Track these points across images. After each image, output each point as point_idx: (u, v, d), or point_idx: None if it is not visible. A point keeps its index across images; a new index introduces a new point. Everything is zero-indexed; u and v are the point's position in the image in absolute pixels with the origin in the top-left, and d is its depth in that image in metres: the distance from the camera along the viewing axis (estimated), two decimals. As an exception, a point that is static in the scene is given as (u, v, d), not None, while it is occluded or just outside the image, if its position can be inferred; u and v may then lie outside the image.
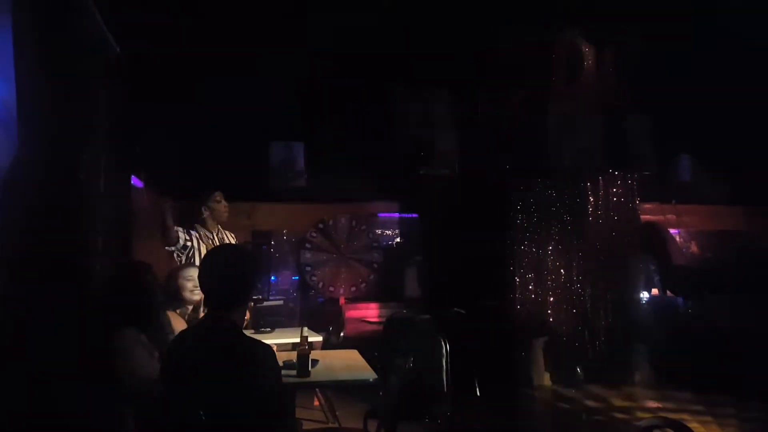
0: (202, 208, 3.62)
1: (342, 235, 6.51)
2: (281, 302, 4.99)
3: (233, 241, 3.80)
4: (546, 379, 5.20)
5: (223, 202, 3.67)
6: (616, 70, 5.66)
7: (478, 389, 4.74)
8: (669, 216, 7.37)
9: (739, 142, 6.55)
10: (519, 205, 5.59)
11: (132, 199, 4.22)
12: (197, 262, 3.44)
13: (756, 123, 6.26)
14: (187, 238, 3.56)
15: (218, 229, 3.69)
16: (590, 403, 4.57)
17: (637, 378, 5.19)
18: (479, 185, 6.22)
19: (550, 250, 5.50)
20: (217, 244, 3.62)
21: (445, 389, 3.31)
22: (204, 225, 3.63)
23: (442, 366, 3.36)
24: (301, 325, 3.32)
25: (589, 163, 5.57)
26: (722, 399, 4.39)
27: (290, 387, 2.72)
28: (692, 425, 3.91)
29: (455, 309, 4.91)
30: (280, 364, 2.78)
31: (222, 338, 1.73)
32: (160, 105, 4.77)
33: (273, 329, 4.00)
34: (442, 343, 3.42)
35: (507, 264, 5.58)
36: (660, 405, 4.58)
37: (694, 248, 8.06)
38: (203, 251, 3.50)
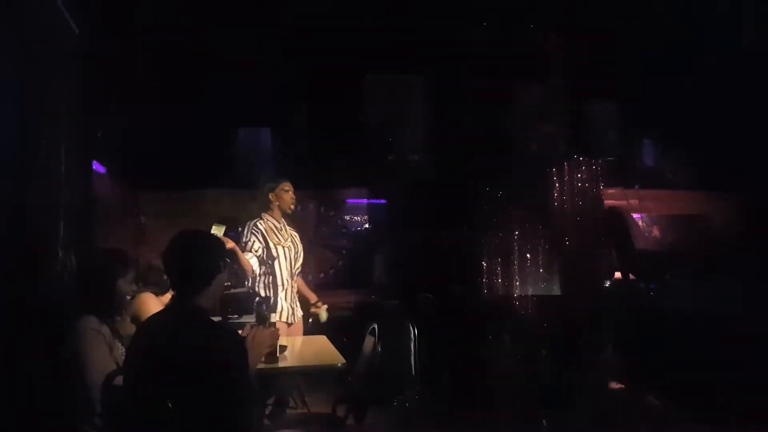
0: (270, 196, 3.54)
1: (310, 222, 6.48)
2: (249, 289, 4.96)
3: (297, 237, 3.69)
4: (511, 362, 5.30)
5: (291, 192, 3.59)
6: (582, 59, 5.74)
7: (446, 373, 4.82)
8: (632, 201, 7.56)
9: (701, 129, 6.74)
10: (487, 192, 5.65)
11: (94, 185, 4.13)
12: (274, 255, 3.46)
13: (719, 110, 6.45)
14: (258, 243, 3.45)
15: (284, 222, 3.61)
16: (557, 385, 4.67)
17: (601, 359, 5.34)
18: (448, 172, 6.28)
19: (517, 235, 5.59)
20: (284, 234, 3.57)
21: (414, 374, 3.35)
22: (271, 214, 3.55)
23: (411, 351, 3.40)
24: (268, 312, 3.31)
25: (555, 149, 5.67)
26: (684, 379, 4.55)
27: (256, 373, 2.71)
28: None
29: (424, 294, 4.97)
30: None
31: (186, 323, 1.71)
32: (122, 90, 4.65)
33: (240, 316, 3.98)
34: (411, 328, 3.46)
35: (475, 249, 5.65)
36: (623, 386, 4.72)
37: (656, 233, 8.30)
38: (270, 241, 3.47)
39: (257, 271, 3.46)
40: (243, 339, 1.83)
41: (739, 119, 6.37)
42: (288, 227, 3.64)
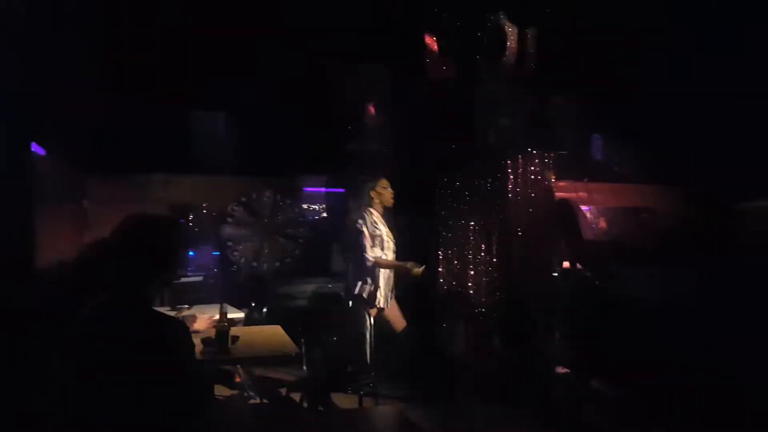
0: (371, 193, 4.01)
1: (266, 209, 6.35)
2: (200, 278, 4.84)
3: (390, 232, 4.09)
4: (467, 350, 5.39)
5: (389, 189, 4.07)
6: (537, 51, 5.82)
7: (402, 361, 4.86)
8: (581, 193, 7.78)
9: (648, 123, 6.98)
10: (444, 182, 5.69)
11: (34, 168, 3.90)
12: (384, 238, 3.94)
13: (667, 104, 6.69)
14: (378, 231, 3.94)
15: (383, 214, 4.08)
16: (508, 372, 4.78)
17: (550, 346, 5.50)
18: (407, 161, 6.27)
19: (472, 225, 5.66)
20: (384, 224, 4.04)
21: (369, 362, 3.36)
22: (375, 208, 4.02)
23: (366, 339, 3.40)
24: (222, 302, 3.24)
25: (511, 141, 5.74)
26: (627, 363, 4.74)
27: (209, 364, 2.65)
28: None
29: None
30: (198, 341, 2.71)
31: (125, 313, 1.62)
32: (65, 64, 4.39)
33: (191, 306, 3.88)
34: (367, 316, 3.46)
35: (431, 239, 5.68)
36: (567, 370, 4.88)
37: (602, 224, 8.58)
38: (383, 229, 3.97)
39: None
40: (188, 330, 1.75)
41: (684, 114, 6.63)
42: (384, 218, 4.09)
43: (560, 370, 4.93)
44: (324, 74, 6.62)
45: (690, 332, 4.58)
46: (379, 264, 3.86)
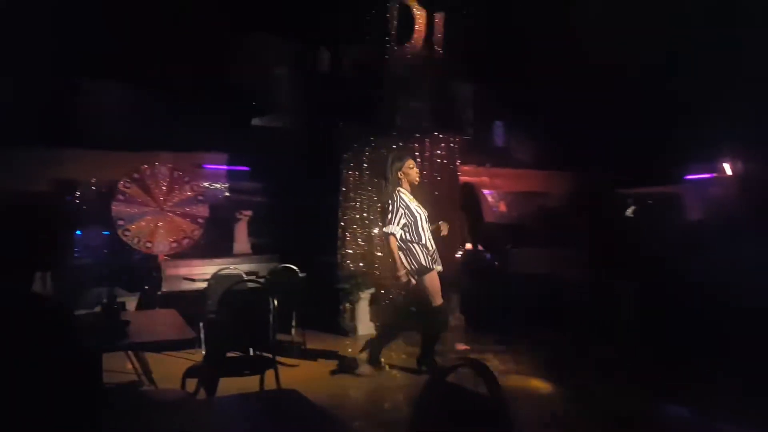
0: (399, 174, 4.18)
1: (161, 186, 5.98)
2: (89, 260, 4.53)
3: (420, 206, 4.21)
4: (372, 329, 5.46)
5: (415, 169, 4.28)
6: (445, 36, 5.93)
7: (304, 343, 4.84)
8: (483, 178, 8.11)
9: (546, 114, 7.38)
10: (351, 162, 5.67)
11: None
12: (416, 215, 4.10)
13: (564, 96, 7.08)
14: (402, 210, 4.09)
15: (410, 190, 4.24)
16: (411, 349, 4.89)
17: (450, 324, 5.72)
18: (313, 140, 6.19)
19: (379, 206, 5.70)
20: (415, 202, 4.19)
21: (270, 345, 3.30)
22: (403, 186, 4.19)
23: (268, 322, 3.33)
24: (111, 286, 3.06)
25: (417, 123, 5.83)
26: (519, 338, 5.06)
27: (95, 351, 2.49)
28: (492, 362, 4.45)
29: (284, 265, 4.90)
30: (84, 326, 2.53)
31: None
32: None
33: (79, 290, 3.63)
34: (269, 299, 3.38)
35: (338, 220, 5.67)
36: (468, 347, 5.09)
37: (502, 207, 9.03)
38: (412, 205, 4.12)
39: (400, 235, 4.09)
40: (70, 314, 1.62)
41: (580, 106, 7.08)
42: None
43: (460, 347, 5.13)
44: (229, 47, 6.35)
45: (577, 302, 5.11)
46: (392, 237, 4.04)
